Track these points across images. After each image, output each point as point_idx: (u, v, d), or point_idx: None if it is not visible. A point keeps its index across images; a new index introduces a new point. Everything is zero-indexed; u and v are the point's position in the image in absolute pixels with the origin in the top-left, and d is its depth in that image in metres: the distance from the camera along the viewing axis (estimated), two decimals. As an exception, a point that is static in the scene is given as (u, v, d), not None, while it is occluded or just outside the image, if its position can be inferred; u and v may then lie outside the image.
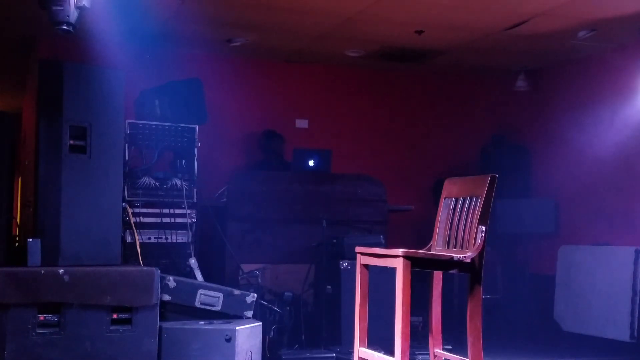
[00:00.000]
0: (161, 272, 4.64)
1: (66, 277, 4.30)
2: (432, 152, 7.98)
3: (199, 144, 5.50)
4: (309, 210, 6.05)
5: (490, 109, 8.16)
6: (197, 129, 5.50)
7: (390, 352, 3.39)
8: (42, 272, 4.29)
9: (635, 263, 5.98)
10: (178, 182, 5.38)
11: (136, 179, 5.27)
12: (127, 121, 5.23)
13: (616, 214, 6.74)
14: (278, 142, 7.24)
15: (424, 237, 3.95)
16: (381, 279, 4.11)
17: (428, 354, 3.83)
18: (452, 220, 3.68)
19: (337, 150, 7.10)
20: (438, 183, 4.53)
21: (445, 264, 3.47)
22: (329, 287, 5.62)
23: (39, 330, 4.24)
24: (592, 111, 7.05)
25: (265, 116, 7.48)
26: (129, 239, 5.11)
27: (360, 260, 3.72)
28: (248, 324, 4.71)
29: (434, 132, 8.08)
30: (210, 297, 4.87)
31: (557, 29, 6.32)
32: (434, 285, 3.76)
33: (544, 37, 6.53)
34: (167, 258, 5.28)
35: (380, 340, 4.18)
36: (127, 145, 5.21)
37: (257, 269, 5.57)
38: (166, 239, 5.29)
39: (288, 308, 5.58)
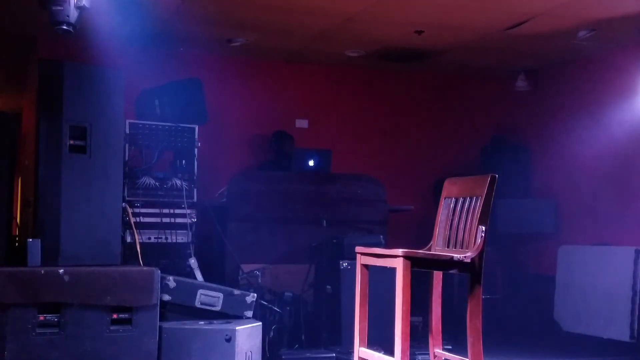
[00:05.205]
0: (161, 272, 4.64)
1: (66, 277, 4.30)
2: (432, 152, 7.99)
3: (199, 144, 5.50)
4: (309, 210, 6.05)
5: (490, 109, 8.16)
6: (197, 129, 5.50)
7: (390, 352, 3.39)
8: (42, 272, 4.28)
9: (635, 263, 5.98)
10: (178, 182, 5.37)
11: (136, 179, 5.26)
12: (127, 121, 5.22)
13: (616, 214, 6.74)
14: (289, 143, 7.25)
15: (424, 237, 3.95)
16: (381, 279, 4.10)
17: (428, 354, 3.83)
18: (452, 220, 3.68)
19: (337, 150, 7.10)
20: (438, 183, 4.52)
21: (445, 264, 3.47)
22: (329, 287, 5.62)
23: (39, 330, 4.23)
24: (592, 111, 7.05)
25: (266, 116, 7.49)
26: (129, 239, 5.11)
27: (360, 260, 3.72)
28: (248, 324, 4.71)
29: (434, 132, 8.08)
30: (210, 297, 4.86)
31: (557, 29, 6.32)
32: (434, 285, 3.76)
33: (544, 37, 6.53)
34: (167, 258, 5.27)
35: (380, 340, 4.18)
36: (127, 145, 5.20)
37: (257, 269, 5.56)
38: (166, 239, 5.28)
39: (288, 308, 5.57)
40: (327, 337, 5.53)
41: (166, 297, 4.74)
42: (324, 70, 7.77)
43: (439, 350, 3.75)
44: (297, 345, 5.51)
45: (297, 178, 6.27)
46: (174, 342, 4.53)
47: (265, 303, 5.44)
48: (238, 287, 5.21)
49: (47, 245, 4.47)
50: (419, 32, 6.44)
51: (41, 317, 4.25)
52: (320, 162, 6.71)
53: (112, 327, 4.40)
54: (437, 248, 3.75)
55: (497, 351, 5.69)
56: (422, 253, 3.53)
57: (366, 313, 3.70)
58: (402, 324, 3.26)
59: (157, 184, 5.32)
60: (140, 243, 5.08)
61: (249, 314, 4.92)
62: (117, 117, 4.82)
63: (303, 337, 5.55)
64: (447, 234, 3.69)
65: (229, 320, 4.74)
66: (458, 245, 3.59)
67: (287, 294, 5.63)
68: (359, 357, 3.69)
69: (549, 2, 5.64)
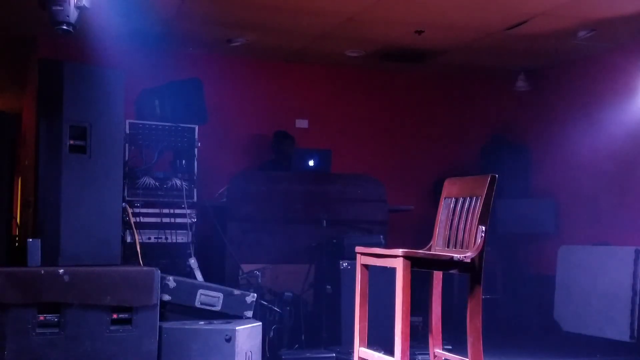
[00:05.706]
0: (161, 272, 4.64)
1: (66, 277, 4.30)
2: (432, 152, 7.99)
3: (199, 144, 5.50)
4: (309, 210, 6.05)
5: (490, 109, 8.16)
6: (197, 129, 5.50)
7: (390, 352, 3.39)
8: (42, 272, 4.28)
9: (635, 263, 5.97)
10: (178, 182, 5.37)
11: (136, 179, 5.26)
12: (127, 121, 5.22)
13: (616, 214, 6.74)
14: (289, 143, 7.24)
15: (424, 237, 3.95)
16: (381, 279, 4.11)
17: (428, 354, 3.83)
18: (452, 220, 3.68)
19: (337, 150, 7.10)
20: (438, 183, 4.52)
21: (445, 264, 3.47)
22: (329, 287, 5.62)
23: (39, 330, 4.24)
24: (592, 111, 7.05)
25: (266, 116, 7.49)
26: (129, 239, 5.11)
27: (360, 260, 3.72)
28: (248, 324, 4.71)
29: (434, 132, 8.08)
30: (210, 297, 4.86)
31: (557, 29, 6.32)
32: (434, 285, 3.76)
33: (544, 37, 6.53)
34: (167, 258, 5.27)
35: (380, 340, 4.18)
36: (127, 145, 5.20)
37: (257, 269, 5.56)
38: (166, 239, 5.28)
39: (288, 308, 5.58)
40: (327, 337, 5.53)
41: (166, 297, 4.74)
42: (324, 70, 7.77)
43: (439, 350, 3.75)
44: (297, 345, 5.51)
45: (297, 178, 6.27)
46: (174, 342, 4.53)
47: (265, 303, 5.44)
48: (238, 287, 5.21)
49: (47, 245, 4.47)
50: (419, 32, 6.44)
51: (41, 317, 4.25)
52: (320, 162, 6.71)
53: (112, 327, 4.40)
54: (437, 248, 3.75)
55: (497, 351, 5.69)
56: (422, 253, 3.53)
57: (366, 313, 3.70)
58: (402, 324, 3.26)
59: (157, 184, 5.32)
60: (140, 243, 5.08)
61: (249, 314, 4.92)
62: (117, 117, 4.82)
63: (303, 337, 5.55)
64: (447, 234, 3.69)
65: (229, 320, 4.74)
66: (458, 245, 3.59)
67: (287, 294, 5.63)
68: (359, 357, 3.69)
69: (549, 2, 5.64)
